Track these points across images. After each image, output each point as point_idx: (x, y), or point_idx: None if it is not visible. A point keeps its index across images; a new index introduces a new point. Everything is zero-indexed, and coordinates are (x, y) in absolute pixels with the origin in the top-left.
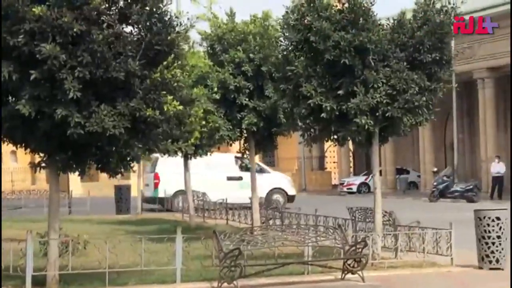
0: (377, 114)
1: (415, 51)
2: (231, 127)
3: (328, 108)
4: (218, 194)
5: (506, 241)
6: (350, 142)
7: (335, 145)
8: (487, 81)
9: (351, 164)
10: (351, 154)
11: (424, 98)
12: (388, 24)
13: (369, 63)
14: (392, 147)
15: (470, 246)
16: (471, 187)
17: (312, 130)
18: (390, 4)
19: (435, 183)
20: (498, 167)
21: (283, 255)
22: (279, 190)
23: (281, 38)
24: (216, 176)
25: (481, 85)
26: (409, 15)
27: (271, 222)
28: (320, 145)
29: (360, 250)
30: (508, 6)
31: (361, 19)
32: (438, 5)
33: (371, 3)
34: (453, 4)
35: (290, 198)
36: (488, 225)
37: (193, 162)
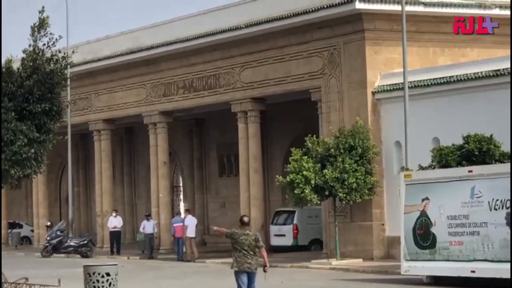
0: None
1: (24, 101)
2: None
3: None
4: None
5: None
6: None
7: None
8: (103, 132)
9: None
10: None
11: (33, 150)
12: None
13: None
14: (5, 200)
15: None
16: (85, 241)
17: None
18: None
19: (48, 238)
20: (115, 222)
21: None
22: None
23: None
24: None
25: (97, 137)
26: (18, 64)
27: None
28: None
29: None
30: None
31: None
32: (48, 54)
33: None
34: (64, 54)
35: None
36: (98, 281)
37: None
